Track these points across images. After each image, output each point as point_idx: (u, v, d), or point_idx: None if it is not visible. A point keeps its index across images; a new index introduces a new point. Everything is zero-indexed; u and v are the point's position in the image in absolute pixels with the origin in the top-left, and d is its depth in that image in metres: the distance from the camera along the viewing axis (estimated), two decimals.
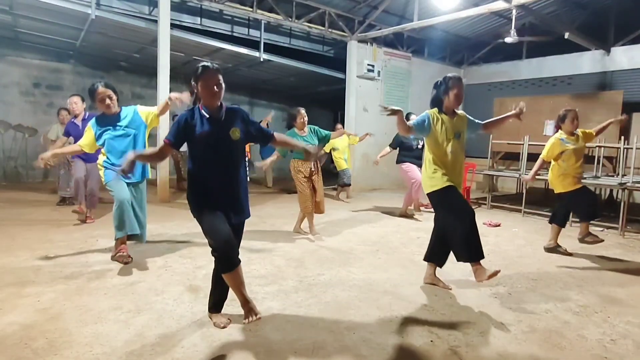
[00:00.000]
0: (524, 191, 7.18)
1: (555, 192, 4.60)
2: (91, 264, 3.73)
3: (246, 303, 2.64)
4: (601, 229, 5.93)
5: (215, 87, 2.45)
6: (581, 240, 4.55)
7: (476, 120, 3.46)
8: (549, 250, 4.62)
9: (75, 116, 5.29)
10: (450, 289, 3.38)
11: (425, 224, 5.78)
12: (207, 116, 2.48)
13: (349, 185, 8.05)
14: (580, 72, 9.12)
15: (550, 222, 4.68)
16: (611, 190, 7.50)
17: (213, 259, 2.52)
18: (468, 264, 3.12)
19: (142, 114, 3.81)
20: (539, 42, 9.27)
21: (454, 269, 3.67)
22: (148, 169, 3.89)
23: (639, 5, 7.58)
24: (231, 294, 2.71)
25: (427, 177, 3.29)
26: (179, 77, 8.85)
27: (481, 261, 3.12)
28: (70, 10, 6.68)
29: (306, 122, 4.97)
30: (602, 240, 4.51)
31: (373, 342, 2.49)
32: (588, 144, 4.68)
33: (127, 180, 3.59)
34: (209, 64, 2.50)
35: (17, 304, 2.84)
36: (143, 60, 9.46)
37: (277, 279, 3.51)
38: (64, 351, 2.27)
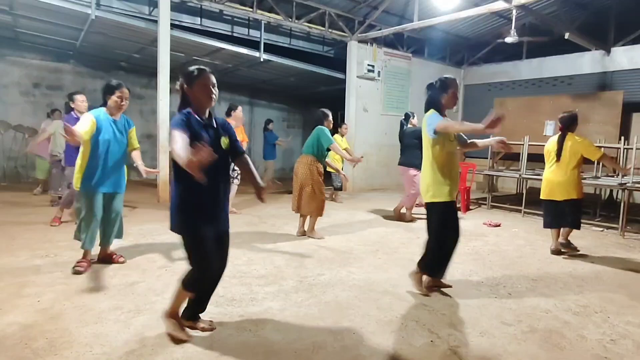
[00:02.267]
0: (524, 191, 7.18)
1: (567, 198, 4.34)
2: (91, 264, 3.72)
3: (176, 316, 2.53)
4: (601, 229, 5.94)
5: (213, 90, 2.36)
6: (555, 252, 4.51)
7: None
8: (555, 252, 4.55)
9: (81, 113, 5.17)
10: (451, 287, 3.39)
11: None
12: (203, 122, 2.35)
13: (338, 189, 8.06)
14: (580, 73, 9.12)
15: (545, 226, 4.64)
16: (611, 191, 7.50)
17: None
18: (468, 265, 3.12)
19: (130, 135, 3.69)
20: (539, 42, 9.27)
21: (455, 269, 3.68)
22: (124, 181, 3.70)
23: (639, 5, 7.58)
24: (230, 293, 2.71)
25: (433, 184, 3.11)
26: (179, 77, 8.82)
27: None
28: (70, 11, 6.67)
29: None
30: (578, 250, 4.54)
31: (373, 342, 2.50)
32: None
33: (110, 191, 3.52)
34: (204, 67, 2.42)
35: (17, 304, 2.84)
36: (143, 60, 9.47)
37: (277, 279, 3.51)
38: (64, 351, 2.27)
